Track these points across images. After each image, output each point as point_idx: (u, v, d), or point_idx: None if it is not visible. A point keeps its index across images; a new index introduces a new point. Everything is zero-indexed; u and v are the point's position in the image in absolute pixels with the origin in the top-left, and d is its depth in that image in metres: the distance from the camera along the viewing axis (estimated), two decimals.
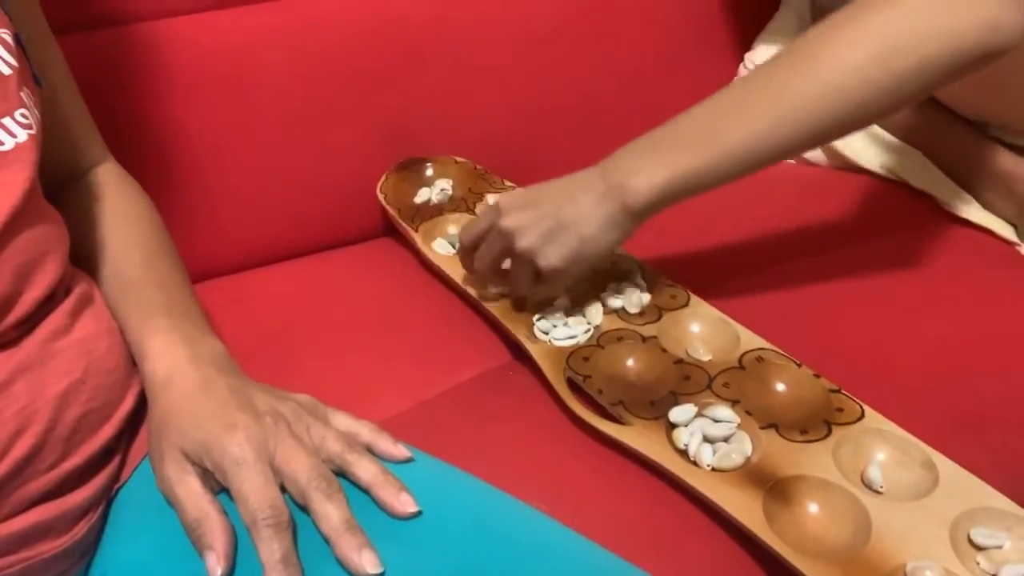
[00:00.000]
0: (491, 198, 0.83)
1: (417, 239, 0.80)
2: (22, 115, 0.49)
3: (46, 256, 0.50)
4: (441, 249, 0.79)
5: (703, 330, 0.68)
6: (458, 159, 0.90)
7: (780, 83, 0.60)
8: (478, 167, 0.89)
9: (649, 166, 0.62)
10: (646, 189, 0.62)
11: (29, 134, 0.49)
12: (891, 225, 0.83)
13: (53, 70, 0.59)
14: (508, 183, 0.87)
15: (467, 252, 0.70)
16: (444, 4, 0.89)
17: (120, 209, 0.60)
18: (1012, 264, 0.79)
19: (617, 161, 0.64)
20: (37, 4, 0.59)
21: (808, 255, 0.78)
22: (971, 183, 0.85)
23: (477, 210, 0.83)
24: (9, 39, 0.50)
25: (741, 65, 1.01)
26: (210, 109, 0.81)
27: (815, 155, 0.95)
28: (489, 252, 0.68)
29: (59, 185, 0.60)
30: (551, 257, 0.64)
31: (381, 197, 0.86)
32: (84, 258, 0.57)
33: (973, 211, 0.82)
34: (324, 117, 0.85)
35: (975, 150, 0.84)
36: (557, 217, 0.63)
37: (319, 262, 0.86)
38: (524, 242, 0.64)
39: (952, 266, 0.77)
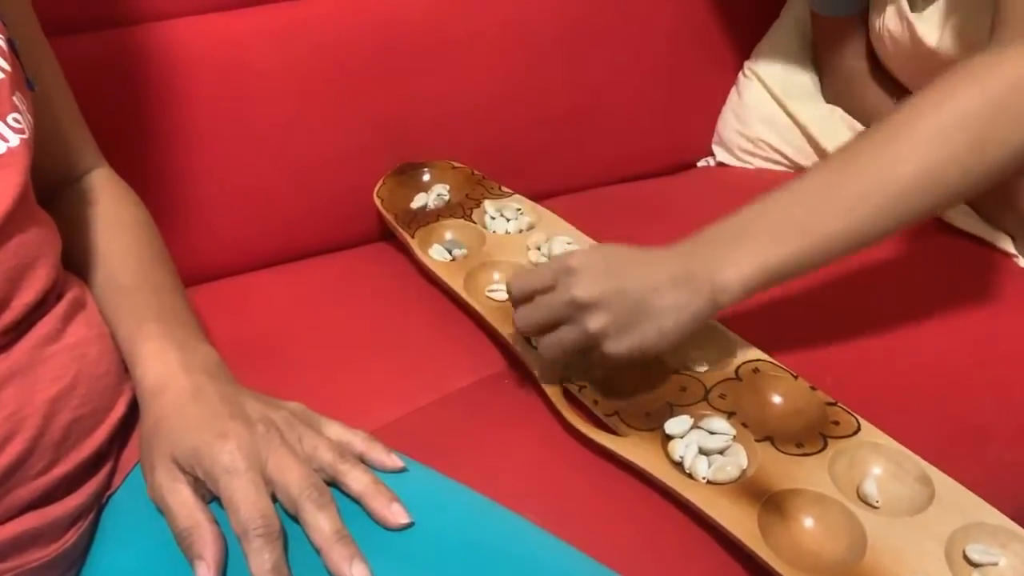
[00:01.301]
0: (489, 205, 0.83)
1: (413, 244, 0.79)
2: (14, 120, 0.48)
3: (37, 261, 0.49)
4: (437, 255, 0.78)
5: (700, 340, 0.67)
6: (455, 164, 0.89)
7: (876, 170, 0.58)
8: (475, 173, 0.89)
9: (739, 259, 0.58)
10: (739, 285, 0.58)
11: (21, 139, 0.48)
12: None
13: (46, 74, 0.59)
14: (505, 189, 0.86)
15: (517, 303, 0.62)
16: (443, 9, 0.89)
17: (113, 214, 0.60)
18: (1010, 276, 0.78)
19: (702, 249, 0.59)
20: (31, 8, 0.58)
21: None
22: None
23: (474, 216, 0.82)
24: (3, 43, 0.50)
25: (740, 73, 1.01)
26: (207, 112, 0.80)
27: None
28: (540, 314, 0.59)
29: (52, 190, 0.60)
30: (622, 345, 0.57)
31: (378, 202, 0.85)
32: (77, 263, 0.56)
33: (972, 222, 0.82)
34: (321, 121, 0.85)
35: None
36: (641, 305, 0.57)
37: (315, 266, 0.86)
38: (596, 323, 0.57)
39: (950, 278, 0.77)
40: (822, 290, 0.74)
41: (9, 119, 0.48)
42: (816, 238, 0.58)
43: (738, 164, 1.00)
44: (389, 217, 0.84)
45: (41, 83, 0.55)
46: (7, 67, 0.49)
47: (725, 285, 0.58)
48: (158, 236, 0.62)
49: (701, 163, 1.04)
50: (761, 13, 1.02)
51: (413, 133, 0.89)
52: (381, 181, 0.87)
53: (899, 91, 0.89)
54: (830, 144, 0.93)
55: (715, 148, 1.03)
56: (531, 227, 0.81)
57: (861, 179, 0.58)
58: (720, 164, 1.02)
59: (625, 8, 0.96)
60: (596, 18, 0.95)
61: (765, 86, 0.97)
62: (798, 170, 0.96)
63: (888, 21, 0.84)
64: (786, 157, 0.97)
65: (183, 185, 0.80)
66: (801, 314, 0.72)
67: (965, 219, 0.83)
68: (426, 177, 0.88)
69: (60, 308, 0.51)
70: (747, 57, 1.01)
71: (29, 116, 0.50)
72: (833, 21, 0.91)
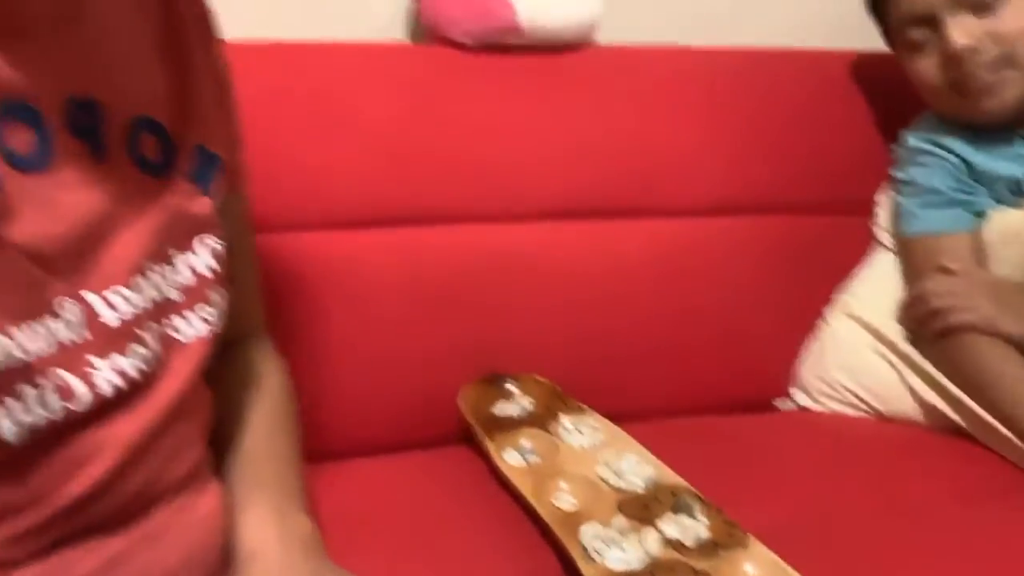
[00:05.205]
0: (566, 419, 0.86)
1: (490, 447, 0.83)
2: (209, 313, 0.55)
3: (194, 438, 0.54)
4: (512, 459, 0.81)
5: (758, 573, 0.67)
6: (539, 379, 0.94)
7: None
8: (558, 389, 0.93)
9: None
10: None
11: (209, 330, 0.55)
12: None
13: (244, 258, 0.66)
14: (585, 406, 0.90)
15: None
16: (545, 240, 0.98)
17: (263, 380, 0.64)
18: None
19: None
20: (249, 206, 0.67)
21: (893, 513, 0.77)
22: None
23: (551, 428, 0.86)
24: (218, 246, 0.57)
25: (825, 315, 1.03)
26: (326, 312, 0.89)
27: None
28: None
29: (219, 346, 0.65)
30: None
31: (462, 405, 0.90)
32: (217, 419, 0.60)
33: None
34: (421, 330, 0.92)
35: None
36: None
37: (393, 461, 0.89)
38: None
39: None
40: (906, 540, 0.73)
41: (204, 312, 0.55)
42: None
43: (816, 407, 1.01)
44: (471, 420, 0.88)
45: (239, 264, 0.61)
46: (218, 268, 0.56)
47: None
48: (295, 406, 0.66)
49: (778, 402, 1.05)
50: (856, 247, 1.05)
51: (503, 346, 0.95)
52: (467, 387, 0.92)
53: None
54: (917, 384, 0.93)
55: (793, 391, 1.04)
56: (604, 444, 0.84)
57: None
58: (802, 408, 1.02)
59: (713, 242, 1.02)
60: (684, 250, 1.01)
61: (863, 324, 0.98)
62: (878, 416, 0.97)
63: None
64: (864, 402, 0.98)
65: (297, 371, 0.87)
66: (868, 555, 0.71)
67: None
68: (510, 387, 0.93)
69: (199, 479, 0.55)
70: (838, 288, 1.03)
71: (222, 308, 0.56)
72: (934, 241, 0.94)
